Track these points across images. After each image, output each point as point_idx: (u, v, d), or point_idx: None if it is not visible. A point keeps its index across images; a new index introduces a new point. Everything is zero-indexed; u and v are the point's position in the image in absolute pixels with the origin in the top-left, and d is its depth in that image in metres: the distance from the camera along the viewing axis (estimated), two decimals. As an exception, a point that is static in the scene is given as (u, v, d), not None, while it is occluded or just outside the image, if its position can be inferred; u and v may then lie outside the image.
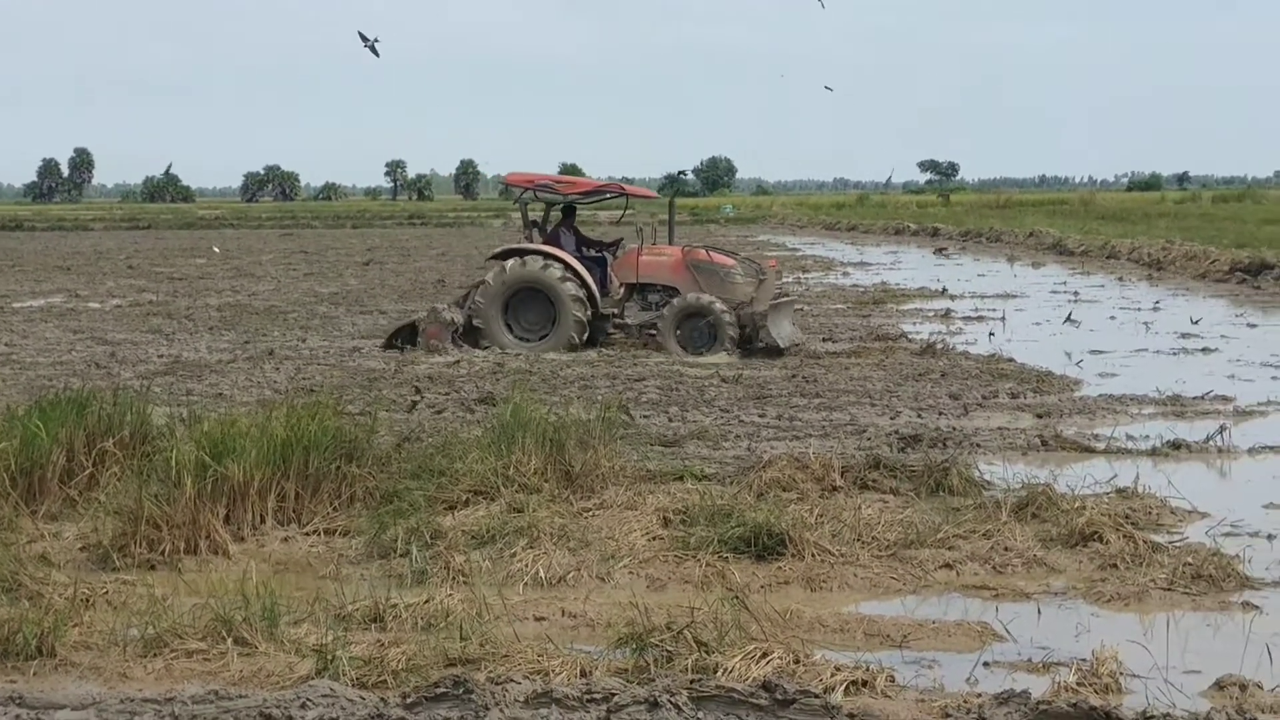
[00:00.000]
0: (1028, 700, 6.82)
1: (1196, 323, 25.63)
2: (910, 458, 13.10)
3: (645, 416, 16.03)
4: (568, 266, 23.00)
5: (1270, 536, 10.84)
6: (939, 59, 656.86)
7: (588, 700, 6.72)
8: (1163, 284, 37.76)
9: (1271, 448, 14.33)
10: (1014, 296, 33.53)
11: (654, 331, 22.89)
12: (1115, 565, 9.92)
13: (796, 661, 7.67)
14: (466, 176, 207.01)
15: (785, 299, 24.35)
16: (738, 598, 8.45)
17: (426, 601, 8.96)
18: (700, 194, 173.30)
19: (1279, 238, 44.04)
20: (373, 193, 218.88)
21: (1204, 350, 22.69)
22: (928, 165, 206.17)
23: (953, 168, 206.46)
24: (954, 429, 15.20)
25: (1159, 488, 11.97)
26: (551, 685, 6.91)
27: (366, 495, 11.55)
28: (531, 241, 23.79)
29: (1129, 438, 14.81)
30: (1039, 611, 9.16)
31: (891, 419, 16.01)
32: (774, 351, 22.09)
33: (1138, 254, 45.82)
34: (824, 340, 24.17)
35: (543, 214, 24.68)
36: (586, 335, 22.92)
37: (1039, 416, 16.22)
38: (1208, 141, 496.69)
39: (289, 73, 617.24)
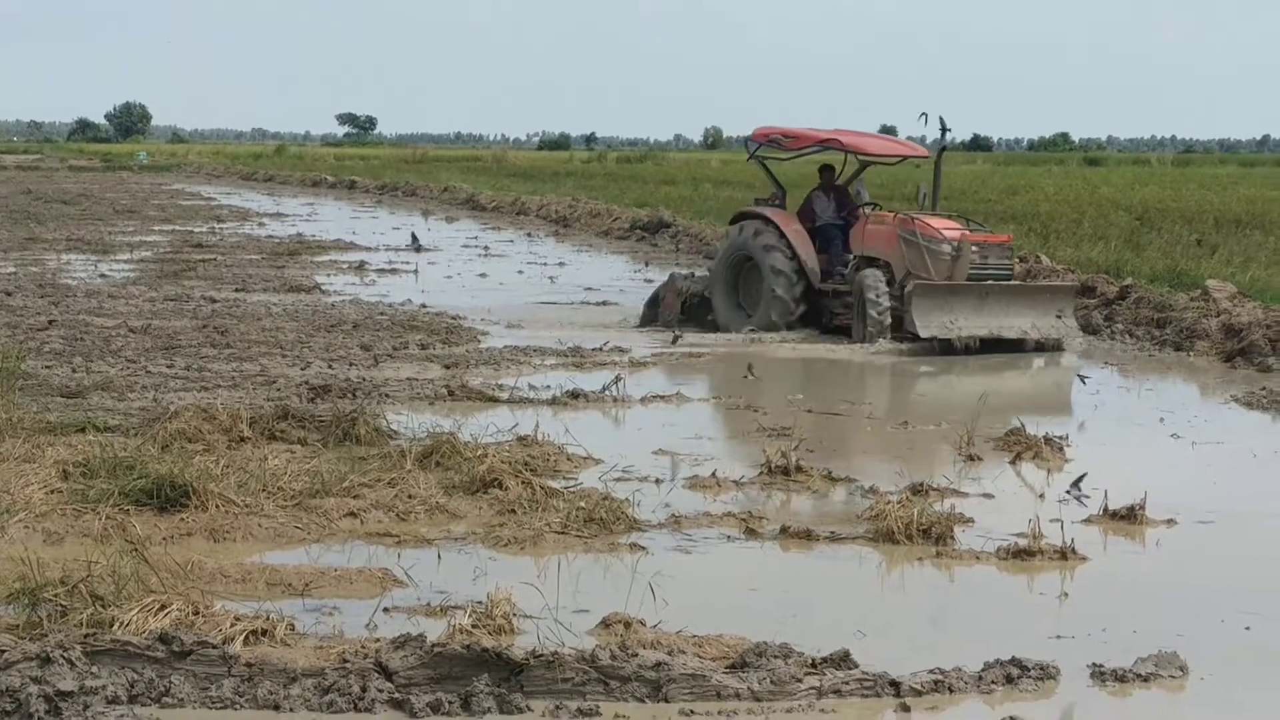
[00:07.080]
0: (423, 643, 7.03)
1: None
2: (319, 408, 13.15)
3: (48, 367, 15.46)
4: (780, 234, 20.00)
5: (658, 481, 11.43)
6: (359, 15, 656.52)
7: (-26, 658, 6.53)
8: (568, 240, 39.06)
9: (661, 396, 15.12)
10: (431, 250, 33.97)
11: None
12: (514, 510, 10.23)
13: (196, 613, 7.61)
14: None
15: (991, 281, 19.22)
16: (137, 550, 8.32)
17: None
18: (113, 140, 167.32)
19: (675, 197, 46.18)
20: None
21: (603, 303, 23.68)
22: (346, 118, 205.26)
23: (371, 121, 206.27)
24: (364, 379, 15.36)
25: (557, 436, 12.39)
26: (-64, 645, 6.68)
27: None
28: (773, 203, 20.94)
29: (531, 388, 15.29)
30: (439, 557, 9.36)
31: (302, 370, 16.03)
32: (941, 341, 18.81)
33: (546, 210, 47.21)
34: (236, 290, 23.80)
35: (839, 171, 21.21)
36: (799, 312, 19.96)
37: (447, 367, 16.56)
38: (614, 105, 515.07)
39: None
